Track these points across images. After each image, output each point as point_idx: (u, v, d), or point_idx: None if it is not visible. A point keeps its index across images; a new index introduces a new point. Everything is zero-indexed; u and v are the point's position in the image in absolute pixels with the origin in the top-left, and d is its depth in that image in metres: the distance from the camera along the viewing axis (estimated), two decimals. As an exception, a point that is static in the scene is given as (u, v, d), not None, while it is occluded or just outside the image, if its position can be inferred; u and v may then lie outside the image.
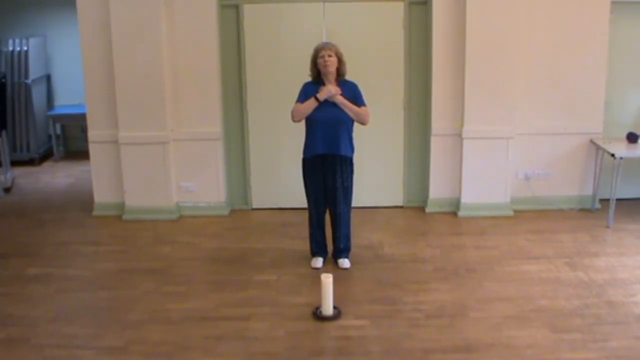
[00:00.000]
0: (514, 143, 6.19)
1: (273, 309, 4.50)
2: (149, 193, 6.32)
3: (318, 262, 5.18)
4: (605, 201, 6.19)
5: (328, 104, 4.88)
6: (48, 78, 9.09)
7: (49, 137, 8.97)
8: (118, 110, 6.18)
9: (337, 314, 4.37)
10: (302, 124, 5.03)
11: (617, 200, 5.98)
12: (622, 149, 5.99)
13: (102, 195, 6.50)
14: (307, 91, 4.94)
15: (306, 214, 5.22)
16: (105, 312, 4.56)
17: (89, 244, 5.82)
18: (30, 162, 8.56)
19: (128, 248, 5.70)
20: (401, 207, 6.57)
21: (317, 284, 4.45)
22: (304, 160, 5.06)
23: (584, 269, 5.06)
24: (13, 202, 7.11)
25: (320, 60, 4.88)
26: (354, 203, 5.22)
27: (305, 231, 5.31)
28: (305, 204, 5.20)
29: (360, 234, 5.74)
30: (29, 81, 8.46)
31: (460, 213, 6.28)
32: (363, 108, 4.95)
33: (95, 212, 6.51)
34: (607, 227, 5.93)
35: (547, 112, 6.28)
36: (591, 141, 6.29)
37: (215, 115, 6.30)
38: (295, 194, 5.91)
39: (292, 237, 5.75)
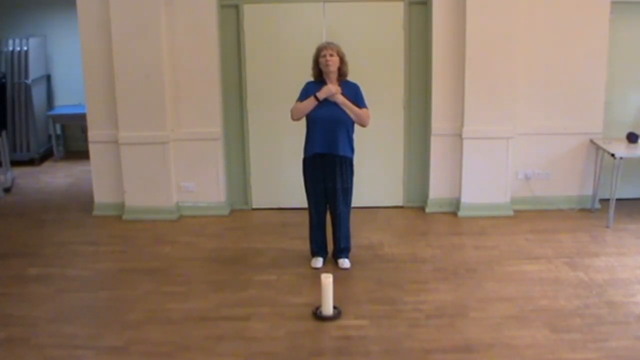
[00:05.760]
0: (514, 143, 6.19)
1: (273, 309, 4.50)
2: (149, 193, 6.32)
3: (318, 262, 5.18)
4: (605, 201, 6.19)
5: (328, 104, 4.87)
6: (48, 78, 9.09)
7: (49, 137, 8.97)
8: (118, 110, 6.18)
9: (337, 314, 4.37)
10: (304, 123, 5.03)
11: (617, 200, 5.97)
12: (622, 149, 5.99)
13: (102, 195, 6.50)
14: (308, 90, 4.94)
15: (306, 214, 5.23)
16: (105, 312, 4.56)
17: (89, 244, 5.81)
18: (30, 162, 8.56)
19: (128, 248, 5.70)
20: (401, 207, 6.57)
21: (317, 284, 4.45)
22: (304, 160, 5.06)
23: (584, 269, 5.06)
24: (13, 202, 7.11)
25: (321, 60, 4.88)
26: (354, 203, 5.22)
27: (305, 231, 5.30)
28: (305, 204, 5.20)
29: (360, 234, 5.74)
30: (29, 81, 8.46)
31: (460, 213, 6.28)
32: (363, 109, 4.94)
33: (95, 212, 6.51)
34: (607, 227, 5.93)
35: (547, 112, 6.28)
36: (591, 141, 6.29)
37: (215, 115, 6.30)
38: (295, 194, 5.91)
39: (292, 237, 5.75)
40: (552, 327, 4.19)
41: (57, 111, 8.97)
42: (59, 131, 9.07)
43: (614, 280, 4.85)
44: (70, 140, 9.25)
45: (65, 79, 9.03)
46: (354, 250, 5.28)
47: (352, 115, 4.92)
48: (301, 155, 5.07)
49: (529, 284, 4.83)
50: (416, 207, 6.54)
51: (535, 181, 6.42)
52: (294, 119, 5.01)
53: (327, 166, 4.97)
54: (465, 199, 6.27)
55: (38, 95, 8.76)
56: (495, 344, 4.00)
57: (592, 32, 6.12)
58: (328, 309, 4.35)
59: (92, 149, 6.44)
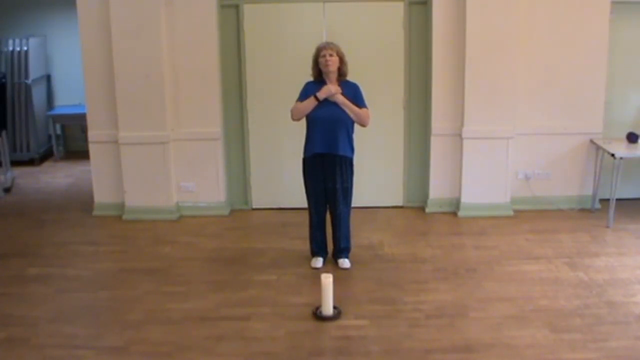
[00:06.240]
0: (514, 143, 6.19)
1: (273, 309, 4.50)
2: (149, 193, 6.32)
3: (318, 262, 5.18)
4: (605, 201, 6.19)
5: (328, 103, 4.88)
6: (48, 78, 9.09)
7: (49, 137, 8.97)
8: (118, 110, 6.18)
9: (337, 314, 4.37)
10: (304, 123, 5.03)
11: (617, 200, 5.97)
12: (622, 149, 5.99)
13: (102, 195, 6.50)
14: (308, 90, 4.95)
15: (306, 214, 5.23)
16: (105, 312, 4.56)
17: (89, 244, 5.81)
18: (30, 162, 8.56)
19: (128, 248, 5.70)
20: (401, 207, 6.57)
21: (317, 284, 4.45)
22: (304, 160, 5.06)
23: (584, 269, 5.06)
24: (13, 202, 7.11)
25: (321, 60, 4.88)
26: (354, 203, 5.22)
27: (305, 231, 5.30)
28: (305, 204, 5.20)
29: (360, 234, 5.74)
30: (29, 81, 8.46)
31: (460, 213, 6.28)
32: (363, 109, 4.94)
33: (95, 212, 6.51)
34: (607, 227, 5.93)
35: (547, 112, 6.28)
36: (591, 141, 6.29)
37: (215, 115, 6.30)
38: (295, 194, 5.91)
39: (292, 237, 5.75)
40: (552, 327, 4.19)
41: (57, 111, 8.96)
42: (59, 131, 9.07)
43: (614, 280, 4.85)
44: (70, 140, 9.25)
45: (65, 79, 9.03)
46: (354, 250, 5.28)
47: (352, 115, 4.92)
48: (301, 155, 5.07)
49: (529, 284, 4.83)
50: (416, 207, 6.54)
51: (535, 181, 6.42)
52: (294, 119, 5.01)
53: (327, 166, 4.97)
54: (465, 199, 6.27)
55: (38, 95, 8.76)
56: (495, 344, 4.00)
57: (592, 32, 6.12)
58: (328, 309, 4.35)
59: (92, 149, 6.44)
